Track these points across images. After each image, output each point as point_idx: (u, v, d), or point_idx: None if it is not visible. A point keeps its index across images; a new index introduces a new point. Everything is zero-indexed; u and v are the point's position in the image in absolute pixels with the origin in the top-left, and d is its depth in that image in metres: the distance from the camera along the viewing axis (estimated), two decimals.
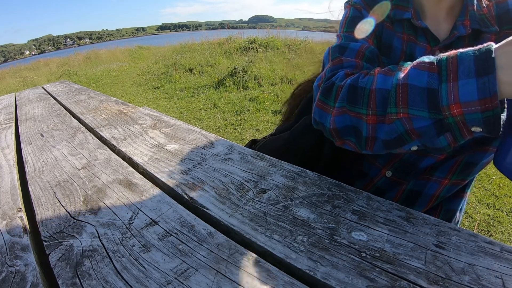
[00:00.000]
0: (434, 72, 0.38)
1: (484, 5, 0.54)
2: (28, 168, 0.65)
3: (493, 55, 0.34)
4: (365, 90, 0.44)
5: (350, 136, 0.49)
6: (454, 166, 0.58)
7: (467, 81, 0.35)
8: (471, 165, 0.58)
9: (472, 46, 0.39)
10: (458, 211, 0.66)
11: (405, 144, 0.43)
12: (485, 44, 0.36)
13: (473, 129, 0.37)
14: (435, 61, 0.39)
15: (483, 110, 0.35)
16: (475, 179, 0.67)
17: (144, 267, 0.36)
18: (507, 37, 0.36)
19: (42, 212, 0.48)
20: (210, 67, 5.94)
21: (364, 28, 0.50)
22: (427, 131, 0.40)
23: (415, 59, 0.42)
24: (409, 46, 0.57)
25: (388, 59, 0.58)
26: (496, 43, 0.38)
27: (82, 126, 0.89)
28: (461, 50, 0.37)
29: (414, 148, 0.44)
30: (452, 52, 0.38)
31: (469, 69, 0.35)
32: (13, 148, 0.78)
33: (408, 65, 0.42)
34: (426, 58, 0.40)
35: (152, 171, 0.58)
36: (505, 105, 0.36)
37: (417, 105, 0.39)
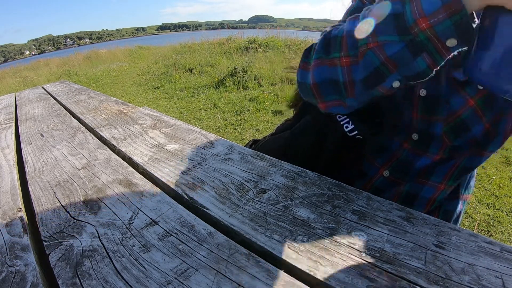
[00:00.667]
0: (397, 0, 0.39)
1: None
2: (28, 168, 0.65)
3: None
4: (337, 37, 0.45)
5: (330, 93, 0.49)
6: (450, 170, 0.58)
7: None
8: (468, 170, 0.59)
9: None
10: (457, 212, 0.66)
11: (385, 80, 0.43)
12: None
13: (447, 43, 0.37)
14: None
15: (450, 15, 0.34)
16: (473, 179, 0.66)
17: (144, 267, 0.36)
18: None
19: (42, 212, 0.48)
20: (210, 67, 5.94)
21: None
22: (401, 55, 0.40)
23: None
24: None
25: None
26: None
27: (82, 126, 0.89)
28: None
29: (396, 84, 0.43)
30: None
31: None
32: (13, 148, 0.78)
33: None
34: None
35: (152, 171, 0.58)
36: (474, 16, 0.37)
37: (386, 32, 0.39)
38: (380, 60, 0.41)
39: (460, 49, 0.38)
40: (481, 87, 0.51)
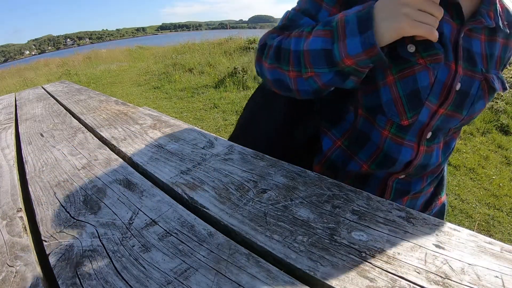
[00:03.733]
0: (328, 37, 0.47)
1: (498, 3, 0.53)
2: (28, 168, 0.65)
3: (373, 14, 0.43)
4: (286, 51, 0.52)
5: (284, 89, 0.57)
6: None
7: (352, 39, 0.45)
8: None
9: (486, 39, 0.51)
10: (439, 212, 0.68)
11: (324, 93, 0.54)
12: (366, 4, 0.45)
13: (367, 68, 0.47)
14: (328, 27, 0.47)
15: (370, 57, 0.44)
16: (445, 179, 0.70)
17: (144, 267, 0.36)
18: None
19: (42, 212, 0.48)
20: (210, 67, 5.94)
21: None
22: (334, 81, 0.50)
23: (441, 35, 0.48)
24: None
25: None
26: (503, 49, 0.50)
27: (82, 126, 0.89)
28: (348, 12, 0.46)
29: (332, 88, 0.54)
30: (341, 14, 0.47)
31: (353, 29, 0.44)
32: (13, 148, 0.78)
33: (315, 29, 0.50)
34: (322, 26, 0.49)
35: (152, 171, 0.58)
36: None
37: (318, 64, 0.49)
38: (318, 84, 0.51)
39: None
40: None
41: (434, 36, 0.43)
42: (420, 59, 0.50)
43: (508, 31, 0.54)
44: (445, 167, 0.70)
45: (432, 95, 0.52)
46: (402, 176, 0.61)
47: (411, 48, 0.49)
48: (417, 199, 0.65)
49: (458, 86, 0.51)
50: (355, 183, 0.54)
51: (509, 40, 0.55)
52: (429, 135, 0.56)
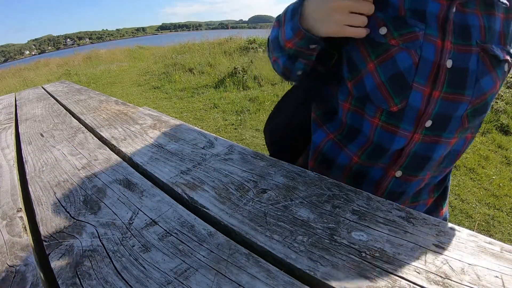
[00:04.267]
0: (277, 26, 0.56)
1: None
2: (28, 168, 0.65)
3: (302, 5, 0.50)
4: (268, 42, 0.62)
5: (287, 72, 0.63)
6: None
7: (286, 26, 0.53)
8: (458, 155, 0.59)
9: (483, 13, 0.48)
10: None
11: (291, 77, 0.62)
12: None
13: (311, 47, 0.52)
14: (278, 18, 0.56)
15: (301, 39, 0.51)
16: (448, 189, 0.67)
17: (144, 267, 0.36)
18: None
19: (42, 212, 0.48)
20: (210, 67, 5.94)
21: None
22: (288, 63, 0.57)
23: (423, 13, 0.48)
24: (411, 1, 0.49)
25: (385, 11, 0.49)
26: (505, 24, 0.49)
27: (82, 126, 0.89)
28: (292, 3, 0.54)
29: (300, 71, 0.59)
30: (289, 5, 0.54)
31: (288, 18, 0.53)
32: (13, 148, 0.78)
33: (275, 19, 0.59)
34: (277, 17, 0.57)
35: (152, 171, 0.58)
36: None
37: (275, 50, 0.59)
38: (280, 67, 0.60)
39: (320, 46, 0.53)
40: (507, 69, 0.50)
41: (362, 35, 0.47)
42: (391, 40, 0.48)
43: (508, 4, 0.50)
44: (449, 177, 0.65)
45: (419, 76, 0.48)
46: (399, 174, 0.57)
47: (383, 30, 0.48)
48: (415, 208, 0.63)
49: (449, 64, 0.47)
50: (350, 182, 0.53)
51: (510, 14, 0.50)
52: (428, 123, 0.51)
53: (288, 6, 0.54)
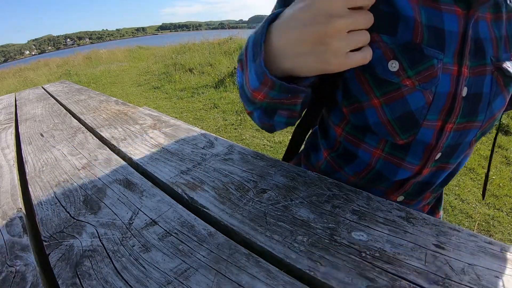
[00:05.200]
0: (241, 70, 0.38)
1: None
2: (28, 168, 0.65)
3: (268, 36, 0.33)
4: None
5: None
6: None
7: (250, 69, 0.35)
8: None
9: (492, 17, 0.40)
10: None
11: (272, 129, 0.50)
12: (263, 21, 0.34)
13: (290, 97, 0.37)
14: (240, 56, 0.38)
15: (272, 88, 0.34)
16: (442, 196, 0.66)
17: (144, 267, 0.36)
18: None
19: (42, 212, 0.48)
20: (210, 67, 5.94)
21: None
22: (265, 119, 0.43)
23: (442, 33, 0.38)
24: (425, 12, 0.38)
25: (394, 36, 0.38)
26: (508, 25, 0.40)
27: (82, 126, 0.89)
28: (253, 31, 0.36)
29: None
30: (252, 33, 0.36)
31: (250, 56, 0.35)
32: (13, 148, 0.78)
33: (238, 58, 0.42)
34: (240, 52, 0.39)
35: (152, 171, 0.58)
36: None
37: (245, 102, 0.43)
38: (259, 123, 0.48)
39: (305, 93, 0.37)
40: None
41: (369, 57, 0.33)
42: (405, 80, 0.39)
43: None
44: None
45: (431, 113, 0.42)
46: (401, 199, 0.54)
47: (394, 66, 0.38)
48: None
49: (465, 92, 0.41)
50: None
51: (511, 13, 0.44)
52: (438, 156, 0.46)
53: (250, 36, 0.36)
